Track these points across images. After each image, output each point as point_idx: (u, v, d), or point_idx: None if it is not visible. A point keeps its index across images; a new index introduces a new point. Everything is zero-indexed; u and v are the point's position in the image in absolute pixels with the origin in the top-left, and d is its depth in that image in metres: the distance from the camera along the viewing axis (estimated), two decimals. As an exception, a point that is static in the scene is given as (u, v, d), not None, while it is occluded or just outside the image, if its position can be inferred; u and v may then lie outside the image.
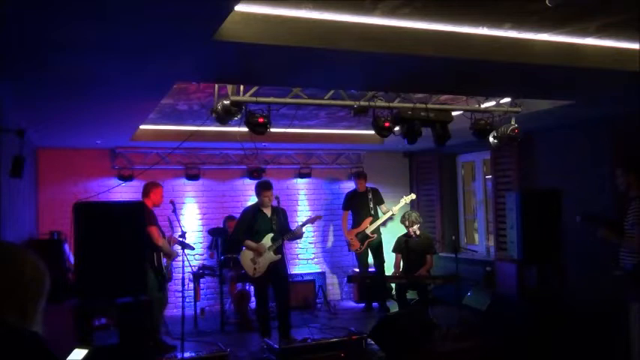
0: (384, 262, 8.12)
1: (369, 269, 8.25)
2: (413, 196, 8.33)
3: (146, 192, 6.25)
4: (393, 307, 7.70)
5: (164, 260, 6.15)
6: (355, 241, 8.06)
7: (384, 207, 8.24)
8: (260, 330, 6.47)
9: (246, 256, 6.38)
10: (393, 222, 8.44)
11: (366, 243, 8.05)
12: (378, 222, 8.11)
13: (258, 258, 6.30)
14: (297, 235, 6.68)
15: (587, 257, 6.02)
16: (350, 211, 8.39)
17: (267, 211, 6.45)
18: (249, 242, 6.34)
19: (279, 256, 6.37)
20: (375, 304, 8.15)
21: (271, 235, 6.38)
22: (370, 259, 8.24)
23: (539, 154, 7.28)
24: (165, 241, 6.24)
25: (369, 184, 8.41)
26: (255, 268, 6.29)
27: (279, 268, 6.36)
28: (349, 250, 8.36)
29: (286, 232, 6.47)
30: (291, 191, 8.88)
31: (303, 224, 6.87)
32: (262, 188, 6.42)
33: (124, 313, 4.59)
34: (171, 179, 8.17)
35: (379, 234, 8.18)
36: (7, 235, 4.40)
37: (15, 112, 4.83)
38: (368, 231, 8.03)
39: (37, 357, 1.40)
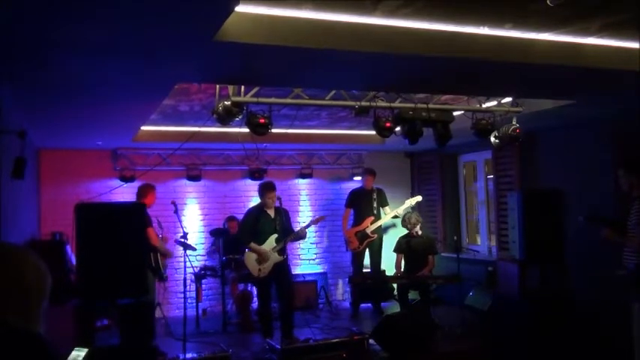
0: (380, 263, 8.03)
1: (364, 270, 8.12)
2: (419, 198, 8.20)
3: (144, 194, 6.30)
4: (395, 308, 7.70)
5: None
6: (354, 239, 7.92)
7: (387, 209, 8.14)
8: (262, 330, 6.48)
9: (250, 257, 6.39)
10: (397, 225, 8.40)
11: (365, 243, 7.91)
12: (380, 222, 8.01)
13: (264, 260, 6.31)
14: (301, 236, 6.68)
15: (589, 257, 6.01)
16: (352, 210, 8.23)
17: (271, 212, 6.46)
18: (253, 245, 6.34)
19: (284, 256, 6.40)
20: (367, 305, 8.03)
21: (275, 235, 6.39)
22: (366, 260, 8.08)
23: (540, 154, 7.27)
24: (161, 240, 6.33)
25: (374, 185, 8.37)
26: (259, 269, 6.31)
27: (283, 268, 6.39)
28: (347, 249, 8.18)
29: (289, 233, 6.47)
30: (292, 192, 8.88)
31: (307, 225, 6.87)
32: (266, 189, 6.43)
33: (125, 313, 4.60)
34: (172, 180, 8.18)
35: (380, 234, 8.13)
36: (9, 237, 4.40)
37: (16, 114, 4.84)
38: (369, 230, 7.90)
39: (39, 357, 1.40)
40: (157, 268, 6.13)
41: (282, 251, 6.38)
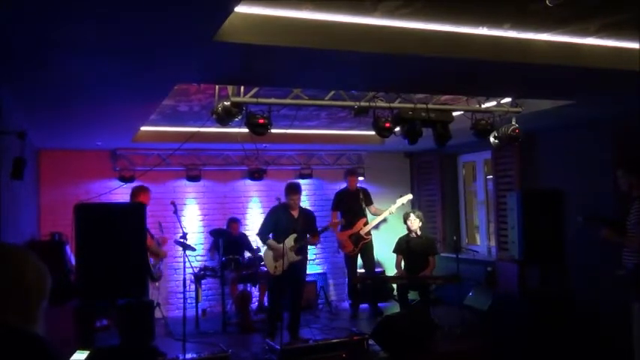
0: (374, 262, 7.99)
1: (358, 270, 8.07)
2: (410, 196, 8.17)
3: (137, 196, 6.32)
4: (395, 308, 7.69)
5: (151, 260, 6.22)
6: (349, 242, 7.79)
7: (372, 208, 8.10)
8: (265, 330, 6.49)
9: (268, 254, 6.50)
10: (387, 223, 8.38)
11: (360, 245, 7.79)
12: (373, 223, 7.94)
13: (280, 257, 6.34)
14: (311, 242, 6.74)
15: (589, 257, 6.01)
16: (339, 212, 8.09)
17: (295, 213, 6.57)
18: (270, 242, 6.47)
19: (300, 257, 6.48)
20: (365, 306, 8.02)
21: (295, 235, 6.45)
22: (359, 261, 8.00)
23: (540, 154, 7.27)
24: (154, 241, 6.37)
25: (364, 185, 8.32)
26: (276, 267, 6.39)
27: (298, 269, 6.48)
28: (340, 252, 8.08)
29: (313, 233, 6.57)
30: (292, 192, 8.86)
31: (321, 231, 6.90)
32: (289, 191, 6.55)
33: (124, 314, 4.59)
34: (172, 180, 8.18)
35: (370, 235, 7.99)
36: (9, 237, 4.39)
37: (16, 114, 4.84)
38: (363, 232, 7.79)
39: (39, 357, 1.40)
40: (148, 268, 6.15)
41: (299, 251, 6.46)
